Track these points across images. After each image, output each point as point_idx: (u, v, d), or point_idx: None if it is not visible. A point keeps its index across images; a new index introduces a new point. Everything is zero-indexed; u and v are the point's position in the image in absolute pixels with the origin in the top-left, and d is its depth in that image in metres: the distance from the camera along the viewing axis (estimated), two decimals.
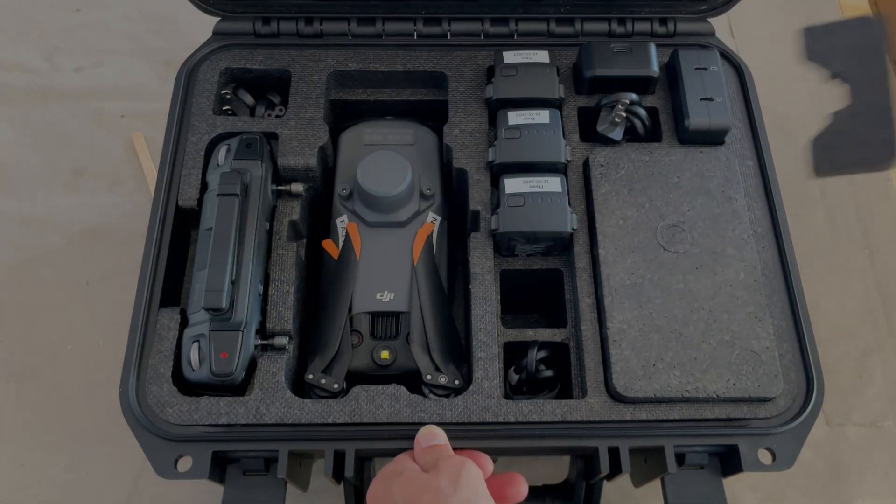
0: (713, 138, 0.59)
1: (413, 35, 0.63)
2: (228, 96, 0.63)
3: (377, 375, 0.54)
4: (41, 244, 0.72)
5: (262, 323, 0.53)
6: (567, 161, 0.57)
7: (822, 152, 0.60)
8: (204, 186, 0.57)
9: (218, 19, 0.63)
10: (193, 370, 0.50)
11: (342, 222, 0.59)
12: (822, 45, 0.64)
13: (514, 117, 0.58)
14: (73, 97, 0.81)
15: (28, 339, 0.68)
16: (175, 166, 0.58)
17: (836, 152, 0.60)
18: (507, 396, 0.51)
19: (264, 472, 0.49)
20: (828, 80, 0.66)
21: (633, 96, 0.59)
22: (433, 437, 0.47)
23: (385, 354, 0.54)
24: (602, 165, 0.57)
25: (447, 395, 0.52)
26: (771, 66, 0.75)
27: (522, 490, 0.48)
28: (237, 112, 0.62)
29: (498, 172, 0.57)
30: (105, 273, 0.71)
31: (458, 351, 0.56)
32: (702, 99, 0.59)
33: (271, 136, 0.59)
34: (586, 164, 0.58)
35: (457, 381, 0.53)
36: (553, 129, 0.57)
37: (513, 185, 0.55)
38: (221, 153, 0.57)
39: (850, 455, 0.64)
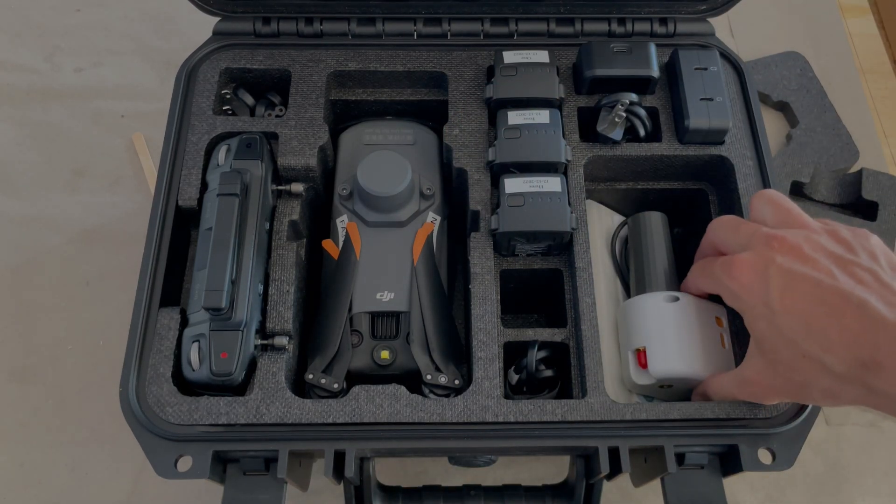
0: (713, 138, 0.59)
1: (413, 35, 0.63)
2: (228, 96, 0.63)
3: (377, 375, 0.54)
4: (41, 244, 0.72)
5: (262, 323, 0.53)
6: (567, 161, 0.57)
7: (789, 161, 0.74)
8: (204, 186, 0.57)
9: (218, 19, 0.63)
10: (193, 370, 0.50)
11: (342, 222, 0.59)
12: (761, 77, 0.79)
13: (514, 117, 0.58)
14: (73, 97, 0.81)
15: (28, 339, 0.68)
16: (175, 166, 0.58)
17: (803, 159, 0.74)
18: (507, 396, 0.51)
19: (264, 471, 0.49)
20: (774, 106, 0.79)
21: (633, 96, 0.59)
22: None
23: (385, 354, 0.54)
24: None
25: (447, 395, 0.52)
26: None
27: None
28: (237, 112, 0.62)
29: (498, 172, 0.57)
30: (105, 273, 0.71)
31: (458, 351, 0.56)
32: (702, 99, 0.59)
33: (271, 136, 0.59)
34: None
35: (457, 381, 0.53)
36: (553, 129, 0.58)
37: (513, 184, 0.55)
38: (221, 153, 0.57)
39: (850, 455, 0.64)
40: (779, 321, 0.40)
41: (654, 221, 0.59)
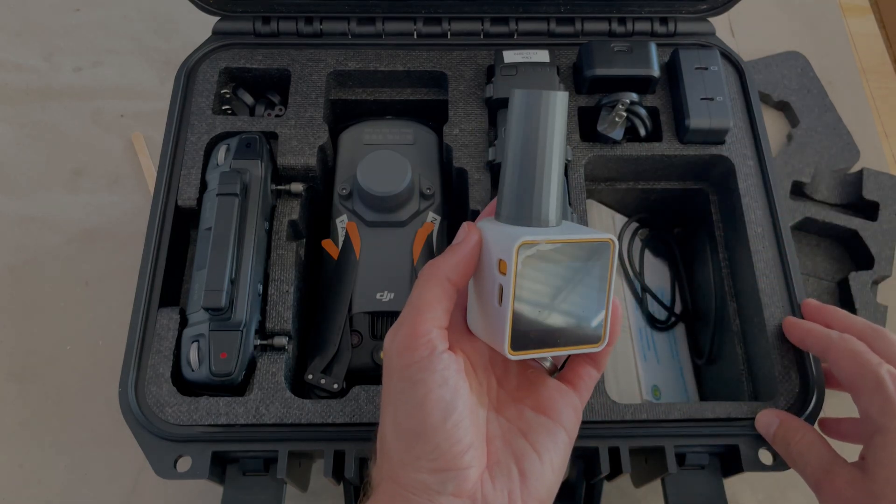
0: (713, 138, 0.59)
1: (413, 35, 0.63)
2: (228, 96, 0.62)
3: (377, 375, 0.54)
4: (41, 244, 0.72)
5: (262, 323, 0.53)
6: (567, 161, 0.57)
7: (790, 160, 0.73)
8: (203, 186, 0.57)
9: (217, 19, 0.63)
10: (193, 370, 0.50)
11: (342, 222, 0.59)
12: (762, 77, 0.79)
13: None
14: (72, 97, 0.80)
15: (28, 339, 0.68)
16: (174, 166, 0.58)
17: (804, 159, 0.73)
18: None
19: (264, 472, 0.49)
20: (775, 106, 0.79)
21: (634, 96, 0.59)
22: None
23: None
24: None
25: None
26: None
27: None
28: (237, 111, 0.62)
29: (498, 172, 0.57)
30: (105, 273, 0.71)
31: None
32: (702, 98, 0.58)
33: (271, 136, 0.59)
34: None
35: None
36: None
37: None
38: (221, 153, 0.57)
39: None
40: None
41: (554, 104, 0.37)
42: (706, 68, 0.60)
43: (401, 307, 0.54)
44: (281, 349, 0.52)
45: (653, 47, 0.61)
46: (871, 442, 0.40)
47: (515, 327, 0.34)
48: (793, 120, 0.78)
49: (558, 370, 0.42)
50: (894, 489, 0.38)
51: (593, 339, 0.36)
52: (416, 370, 0.34)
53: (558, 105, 0.36)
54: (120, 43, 0.84)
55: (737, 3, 0.62)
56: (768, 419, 0.47)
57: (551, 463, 0.36)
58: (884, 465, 0.39)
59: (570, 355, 0.41)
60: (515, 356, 0.35)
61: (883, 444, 0.40)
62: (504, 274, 0.34)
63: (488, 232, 0.37)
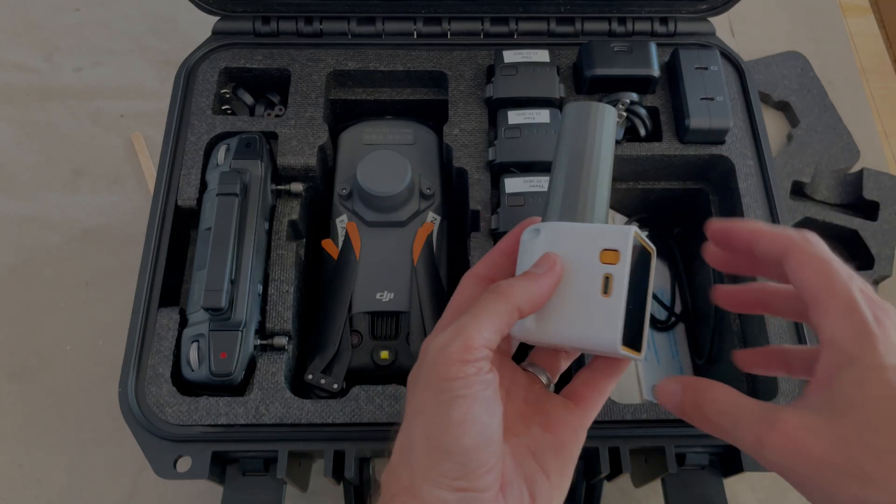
0: (713, 138, 0.59)
1: (413, 34, 0.63)
2: (228, 96, 0.62)
3: (377, 375, 0.54)
4: (41, 244, 0.72)
5: (262, 323, 0.53)
6: None
7: (790, 160, 0.73)
8: (203, 186, 0.57)
9: (217, 19, 0.63)
10: (193, 370, 0.50)
11: (342, 222, 0.59)
12: (762, 77, 0.79)
13: (514, 117, 0.58)
14: (72, 97, 0.80)
15: (28, 339, 0.68)
16: (174, 166, 0.58)
17: (804, 159, 0.73)
18: None
19: (264, 472, 0.49)
20: (775, 106, 0.79)
21: (634, 96, 0.59)
22: None
23: (385, 354, 0.54)
24: None
25: None
26: None
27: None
28: (236, 111, 0.62)
29: (498, 172, 0.57)
30: (105, 273, 0.71)
31: None
32: (702, 98, 0.58)
33: (271, 136, 0.59)
34: None
35: None
36: (553, 129, 0.57)
37: (513, 184, 0.55)
38: (221, 153, 0.57)
39: None
40: None
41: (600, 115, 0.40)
42: (706, 68, 0.60)
43: (400, 307, 0.55)
44: (281, 349, 0.52)
45: (653, 47, 0.61)
46: (839, 377, 0.32)
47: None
48: (793, 120, 0.78)
49: (552, 384, 0.41)
50: (875, 433, 0.30)
51: (638, 346, 0.36)
52: (461, 385, 0.32)
53: (608, 115, 0.40)
54: (120, 43, 0.84)
55: (737, 3, 0.62)
56: (670, 388, 0.36)
57: (559, 485, 0.36)
58: (860, 405, 0.31)
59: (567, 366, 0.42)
60: (626, 352, 0.34)
61: (858, 380, 0.31)
62: (613, 263, 0.34)
63: (552, 230, 0.36)
